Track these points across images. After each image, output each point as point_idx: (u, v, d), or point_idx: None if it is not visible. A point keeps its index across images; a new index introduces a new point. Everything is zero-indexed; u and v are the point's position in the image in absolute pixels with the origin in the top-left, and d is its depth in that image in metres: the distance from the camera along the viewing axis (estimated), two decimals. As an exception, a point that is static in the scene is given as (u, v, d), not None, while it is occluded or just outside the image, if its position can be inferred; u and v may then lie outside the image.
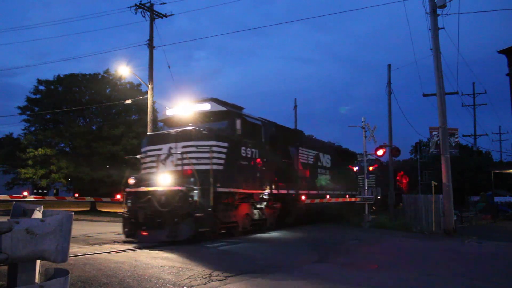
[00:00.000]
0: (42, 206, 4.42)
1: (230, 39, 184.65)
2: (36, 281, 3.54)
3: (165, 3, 23.01)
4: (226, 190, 11.04)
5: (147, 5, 22.38)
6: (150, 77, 22.01)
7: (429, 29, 15.64)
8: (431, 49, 15.64)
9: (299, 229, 14.70)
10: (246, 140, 12.15)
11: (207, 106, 11.84)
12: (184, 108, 12.30)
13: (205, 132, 11.04)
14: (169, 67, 23.33)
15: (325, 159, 18.83)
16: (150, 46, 22.21)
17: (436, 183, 15.85)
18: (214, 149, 10.78)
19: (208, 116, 12.01)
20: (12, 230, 3.15)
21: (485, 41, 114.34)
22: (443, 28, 16.06)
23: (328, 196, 17.90)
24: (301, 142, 16.58)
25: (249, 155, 12.19)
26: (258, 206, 12.93)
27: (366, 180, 19.04)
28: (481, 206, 27.36)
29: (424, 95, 22.21)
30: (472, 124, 41.20)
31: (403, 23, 76.33)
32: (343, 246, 11.18)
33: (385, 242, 12.40)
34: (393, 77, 25.59)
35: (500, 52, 26.59)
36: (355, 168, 23.64)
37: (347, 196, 19.96)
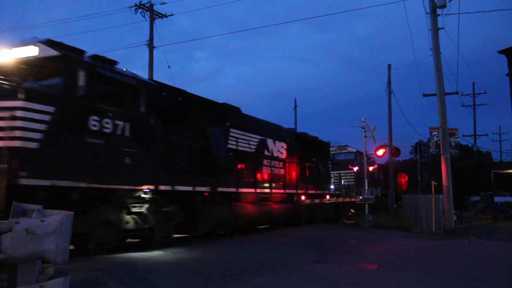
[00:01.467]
0: (42, 206, 4.41)
1: (230, 40, 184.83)
2: (36, 281, 3.54)
3: (165, 3, 23.05)
4: (47, 182, 7.00)
5: (147, 5, 22.42)
6: (150, 77, 22.03)
7: (429, 29, 15.69)
8: (431, 49, 15.69)
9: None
10: (102, 105, 8.02)
11: (33, 51, 7.80)
12: (4, 54, 8.25)
13: (6, 86, 7.14)
14: (169, 67, 23.42)
15: (277, 148, 14.28)
16: (150, 46, 22.23)
17: (436, 183, 15.86)
18: (21, 114, 6.78)
19: (38, 66, 7.87)
20: (12, 230, 3.16)
21: (485, 41, 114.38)
22: (443, 28, 16.10)
23: (278, 196, 14.10)
24: (233, 121, 12.09)
25: (108, 130, 8.05)
26: (134, 209, 8.79)
27: (366, 180, 19.05)
28: (481, 206, 27.40)
29: (424, 95, 22.23)
30: (472, 124, 41.26)
31: (403, 23, 76.41)
32: (342, 246, 11.18)
33: (385, 242, 12.40)
34: (393, 77, 25.63)
35: (500, 52, 26.61)
36: (355, 168, 23.22)
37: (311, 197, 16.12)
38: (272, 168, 13.82)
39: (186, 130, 10.34)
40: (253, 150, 12.94)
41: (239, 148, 12.22)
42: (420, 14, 16.46)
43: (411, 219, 16.24)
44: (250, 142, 12.86)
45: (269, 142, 13.93)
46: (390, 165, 25.59)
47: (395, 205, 25.22)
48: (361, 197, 18.98)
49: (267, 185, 13.48)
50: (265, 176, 13.45)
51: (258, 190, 12.87)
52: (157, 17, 22.68)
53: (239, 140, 12.24)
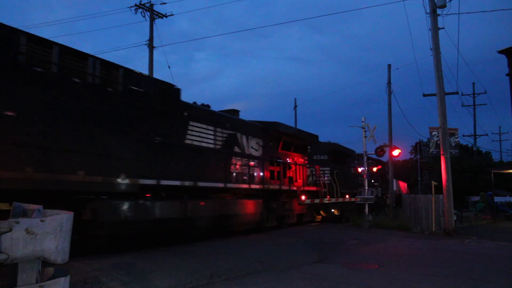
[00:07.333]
0: (42, 206, 4.40)
1: (230, 40, 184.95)
2: (36, 281, 3.54)
3: (165, 3, 23.06)
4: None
5: (147, 5, 22.43)
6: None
7: (429, 29, 15.68)
8: (431, 49, 15.67)
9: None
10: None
11: None
12: None
13: None
14: (169, 67, 23.42)
15: None
16: (150, 46, 22.23)
17: (436, 183, 15.86)
18: None
19: None
20: (12, 230, 3.15)
21: (485, 41, 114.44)
22: (443, 28, 16.11)
23: None
24: None
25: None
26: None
27: (366, 180, 19.02)
28: (481, 206, 27.39)
29: (424, 95, 22.25)
30: (472, 124, 41.34)
31: (403, 23, 76.46)
32: (343, 246, 11.17)
33: (385, 242, 12.39)
34: (393, 77, 25.63)
35: (500, 52, 26.59)
36: (360, 169, 22.79)
37: None
38: None
39: None
40: None
41: None
42: (420, 14, 16.49)
43: (411, 219, 16.23)
44: None
45: None
46: (390, 164, 25.56)
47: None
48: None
49: None
50: None
51: None
52: (157, 17, 22.68)
53: None
